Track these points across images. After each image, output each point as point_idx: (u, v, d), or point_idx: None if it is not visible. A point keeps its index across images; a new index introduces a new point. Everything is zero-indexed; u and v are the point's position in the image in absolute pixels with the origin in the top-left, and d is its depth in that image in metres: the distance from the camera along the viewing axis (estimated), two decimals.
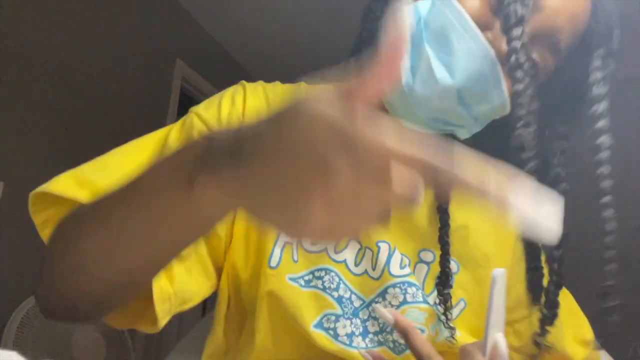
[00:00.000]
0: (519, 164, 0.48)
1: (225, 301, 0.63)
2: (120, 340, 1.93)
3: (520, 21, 0.48)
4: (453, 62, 0.49)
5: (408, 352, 0.57)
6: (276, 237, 0.59)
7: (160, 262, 0.41)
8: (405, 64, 0.50)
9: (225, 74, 3.25)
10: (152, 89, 2.64)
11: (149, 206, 0.36)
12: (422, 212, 0.63)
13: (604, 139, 0.55)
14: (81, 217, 0.43)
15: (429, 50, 0.49)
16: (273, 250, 0.58)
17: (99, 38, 2.30)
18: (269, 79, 0.67)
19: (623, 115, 2.91)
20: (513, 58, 0.47)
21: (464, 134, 0.56)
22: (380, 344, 0.60)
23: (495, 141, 0.61)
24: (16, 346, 1.56)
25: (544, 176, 0.60)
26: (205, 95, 3.05)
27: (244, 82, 0.64)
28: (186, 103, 3.02)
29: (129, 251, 0.39)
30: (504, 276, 0.43)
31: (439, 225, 0.61)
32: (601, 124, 0.54)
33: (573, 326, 0.69)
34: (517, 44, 0.47)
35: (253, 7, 2.83)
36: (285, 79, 0.71)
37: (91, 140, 2.21)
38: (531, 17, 0.49)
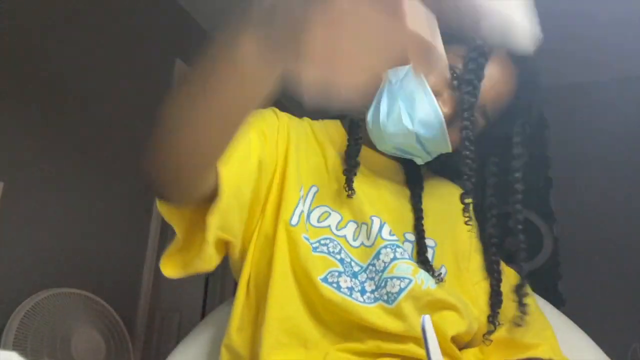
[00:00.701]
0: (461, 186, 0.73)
1: (247, 271, 0.75)
2: (119, 342, 1.93)
3: (471, 107, 0.70)
4: (415, 115, 0.71)
5: (400, 299, 0.71)
6: (297, 202, 0.75)
7: (222, 134, 0.51)
8: (384, 108, 0.74)
9: None
10: (151, 90, 2.64)
11: (215, 70, 0.45)
12: (405, 203, 0.84)
13: (518, 186, 0.75)
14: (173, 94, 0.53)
15: (400, 103, 0.72)
16: (294, 212, 0.74)
17: (97, 38, 2.30)
18: None
19: (624, 115, 2.86)
20: (464, 132, 0.70)
21: (419, 161, 0.80)
22: (376, 299, 0.73)
23: (443, 163, 0.87)
24: (16, 346, 1.56)
25: (481, 204, 0.83)
26: None
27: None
28: None
29: (200, 114, 0.48)
30: (430, 320, 0.52)
31: (415, 215, 0.82)
32: (517, 175, 0.76)
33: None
34: (467, 123, 0.70)
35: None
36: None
37: (91, 139, 2.21)
38: None
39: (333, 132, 0.86)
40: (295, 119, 0.85)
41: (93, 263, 2.17)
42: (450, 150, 0.76)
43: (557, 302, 3.13)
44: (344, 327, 0.72)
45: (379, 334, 0.71)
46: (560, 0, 2.64)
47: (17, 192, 1.85)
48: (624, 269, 2.96)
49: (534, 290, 1.00)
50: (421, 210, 0.82)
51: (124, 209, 2.35)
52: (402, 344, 0.71)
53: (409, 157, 0.79)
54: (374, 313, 0.71)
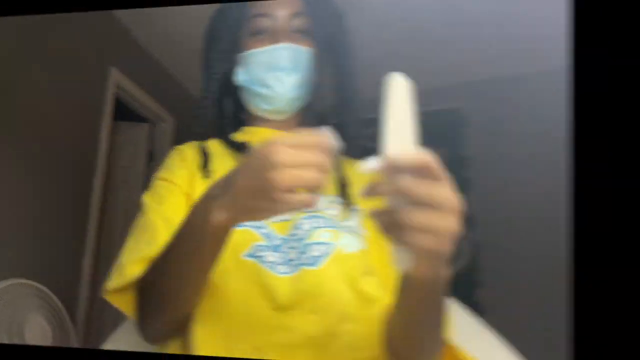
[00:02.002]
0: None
1: None
2: (62, 327, 2.14)
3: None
4: (271, 84, 0.86)
5: (323, 261, 0.74)
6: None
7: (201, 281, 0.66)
8: (257, 99, 0.88)
9: (158, 81, 3.36)
10: (87, 97, 2.72)
11: (192, 247, 0.61)
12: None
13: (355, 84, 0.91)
14: (152, 272, 0.69)
15: (259, 86, 0.87)
16: None
17: (33, 48, 2.34)
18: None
19: (538, 112, 2.64)
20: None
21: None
22: (298, 266, 0.74)
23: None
24: None
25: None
26: (140, 104, 3.14)
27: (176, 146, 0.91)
28: (123, 112, 3.06)
29: (180, 281, 0.65)
30: (405, 82, 0.37)
31: (339, 183, 0.86)
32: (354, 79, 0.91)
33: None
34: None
35: (180, 16, 2.77)
36: None
37: (34, 144, 2.31)
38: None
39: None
40: (193, 147, 0.89)
41: (41, 256, 2.34)
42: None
43: (476, 310, 3.03)
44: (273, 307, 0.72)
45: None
46: None
47: None
48: (550, 276, 2.47)
49: (452, 297, 0.86)
50: (343, 178, 0.85)
51: (65, 204, 2.53)
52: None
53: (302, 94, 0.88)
54: (282, 284, 0.72)
